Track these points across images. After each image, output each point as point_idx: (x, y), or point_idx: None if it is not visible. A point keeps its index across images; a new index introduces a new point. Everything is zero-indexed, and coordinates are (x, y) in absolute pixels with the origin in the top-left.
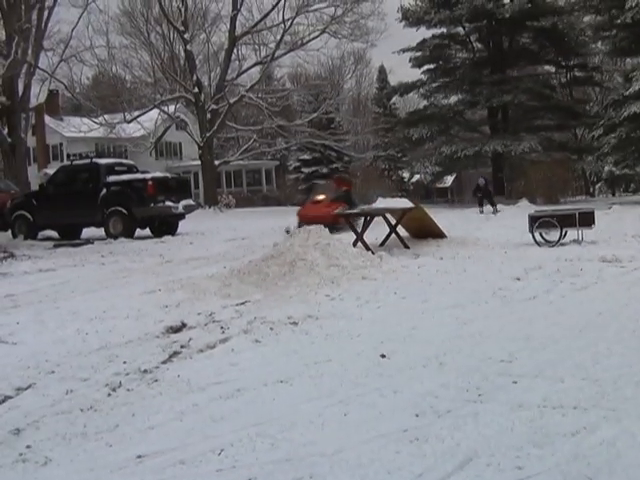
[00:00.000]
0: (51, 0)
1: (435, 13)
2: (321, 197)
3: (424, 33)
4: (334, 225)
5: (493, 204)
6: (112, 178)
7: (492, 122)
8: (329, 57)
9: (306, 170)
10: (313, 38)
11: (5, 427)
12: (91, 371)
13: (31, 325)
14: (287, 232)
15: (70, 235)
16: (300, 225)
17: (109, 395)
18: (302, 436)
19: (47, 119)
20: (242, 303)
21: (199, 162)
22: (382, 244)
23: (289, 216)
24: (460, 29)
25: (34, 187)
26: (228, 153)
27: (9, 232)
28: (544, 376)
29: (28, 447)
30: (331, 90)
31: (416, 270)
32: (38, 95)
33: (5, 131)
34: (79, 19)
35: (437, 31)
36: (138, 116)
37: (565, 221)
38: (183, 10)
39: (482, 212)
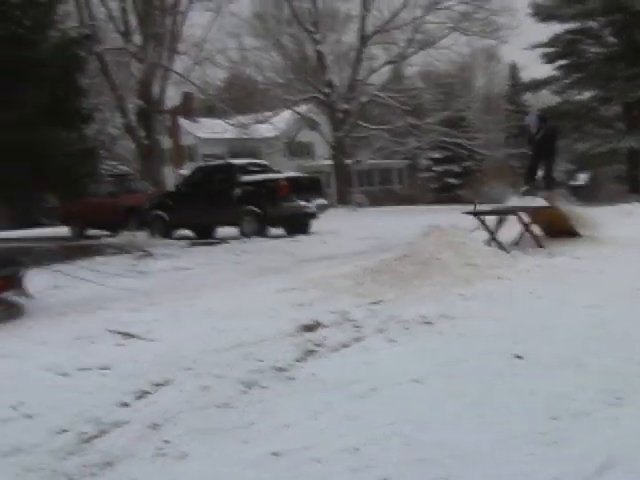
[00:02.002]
0: (185, 5)
1: (567, 7)
2: None
3: (555, 28)
4: None
5: (531, 175)
6: (246, 178)
7: (627, 118)
8: (460, 55)
9: (438, 169)
10: (443, 36)
11: (144, 422)
12: (226, 368)
13: (168, 322)
14: None
15: (205, 234)
16: None
17: (244, 392)
18: (436, 436)
19: (182, 121)
20: (376, 302)
21: (331, 162)
22: (516, 243)
23: (421, 215)
24: (593, 23)
25: (170, 187)
26: (360, 152)
27: (146, 231)
28: None
29: (166, 442)
30: (462, 88)
31: (551, 269)
32: (173, 98)
33: (142, 133)
34: (212, 23)
35: (569, 26)
36: (270, 117)
37: None
38: (313, 11)
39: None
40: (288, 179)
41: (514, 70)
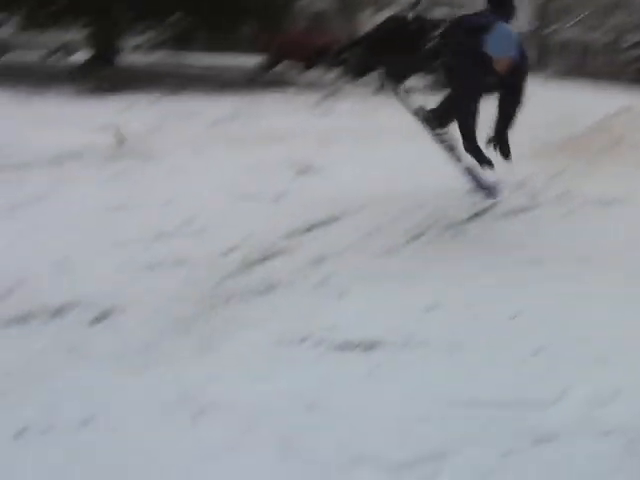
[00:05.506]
0: None
1: None
2: None
3: None
4: None
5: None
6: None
7: None
8: None
9: None
10: None
11: (308, 255)
12: (396, 215)
13: (345, 161)
14: None
15: (394, 82)
16: None
17: (408, 242)
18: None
19: None
20: (556, 174)
21: (530, 28)
22: None
23: (617, 94)
24: None
25: (363, 31)
26: (560, 22)
27: (337, 71)
28: None
29: (326, 278)
30: None
31: None
32: None
33: None
34: None
35: None
36: None
37: None
38: None
39: None
40: None
41: None
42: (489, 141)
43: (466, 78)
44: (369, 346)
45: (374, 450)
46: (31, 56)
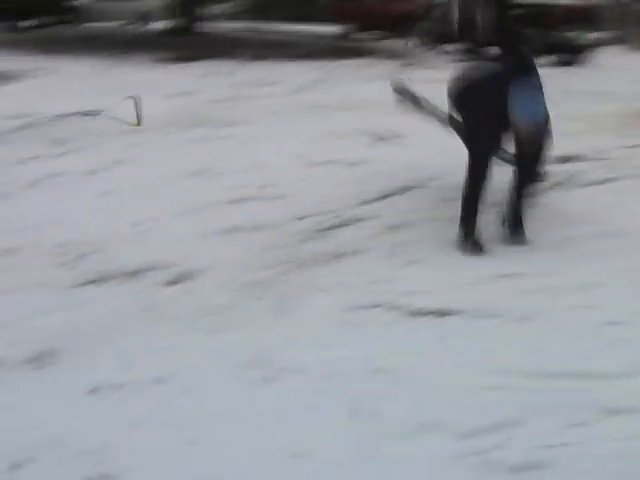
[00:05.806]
0: None
1: None
2: None
3: None
4: None
5: None
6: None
7: None
8: None
9: None
10: None
11: (382, 223)
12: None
13: (422, 130)
14: None
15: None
16: None
17: (483, 211)
18: None
19: None
20: (637, 146)
21: None
22: None
23: None
24: None
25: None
26: None
27: (416, 40)
28: None
29: (397, 245)
30: None
31: None
32: None
33: None
34: None
35: None
36: None
37: None
38: None
39: None
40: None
41: None
42: (502, 221)
43: (480, 135)
44: (440, 314)
45: (440, 417)
46: (112, 24)
